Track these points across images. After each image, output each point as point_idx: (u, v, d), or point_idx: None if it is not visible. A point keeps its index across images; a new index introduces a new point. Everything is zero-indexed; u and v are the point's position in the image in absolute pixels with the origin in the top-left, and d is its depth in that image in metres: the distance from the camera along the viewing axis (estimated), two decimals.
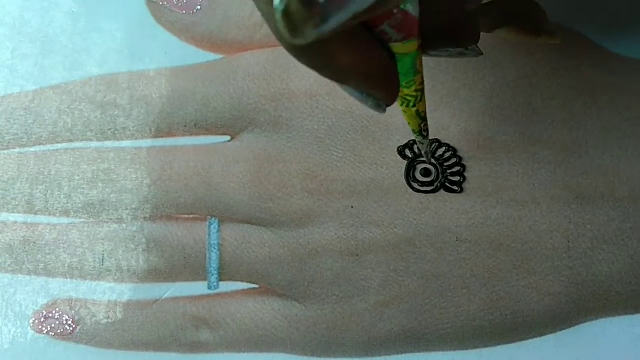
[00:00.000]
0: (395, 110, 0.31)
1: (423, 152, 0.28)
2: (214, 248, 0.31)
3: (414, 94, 0.23)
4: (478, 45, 0.24)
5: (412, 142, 0.30)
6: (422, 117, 0.25)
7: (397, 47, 0.21)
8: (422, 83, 0.23)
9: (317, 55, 0.19)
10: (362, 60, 0.20)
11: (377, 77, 0.21)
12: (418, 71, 0.22)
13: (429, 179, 0.30)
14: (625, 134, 0.30)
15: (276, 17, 0.15)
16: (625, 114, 0.30)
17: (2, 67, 0.33)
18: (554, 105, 0.30)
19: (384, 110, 0.23)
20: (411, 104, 0.24)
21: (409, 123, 0.25)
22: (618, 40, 0.31)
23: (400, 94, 0.23)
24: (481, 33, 0.25)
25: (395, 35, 0.20)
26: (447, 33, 0.23)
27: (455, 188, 0.30)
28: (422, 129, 0.26)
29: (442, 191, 0.30)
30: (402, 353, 0.30)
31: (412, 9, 0.20)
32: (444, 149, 0.30)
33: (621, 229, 0.29)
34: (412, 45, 0.21)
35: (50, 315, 0.31)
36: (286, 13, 0.15)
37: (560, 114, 0.30)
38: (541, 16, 0.27)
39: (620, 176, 0.29)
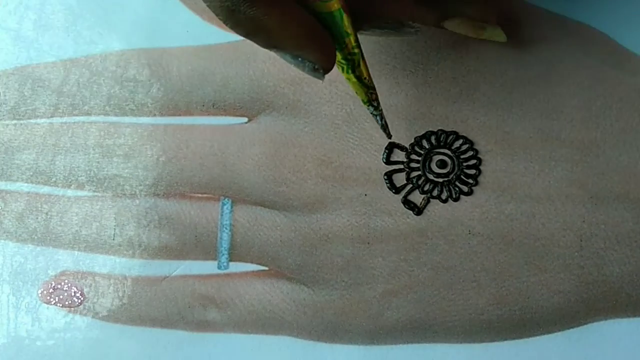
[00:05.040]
0: (415, 100, 0.31)
1: (380, 126, 0.28)
2: (226, 228, 0.31)
3: (349, 57, 0.23)
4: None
5: (429, 132, 0.30)
6: (367, 85, 0.25)
7: (320, 6, 0.22)
8: (358, 47, 0.23)
9: (248, 22, 0.21)
10: (289, 20, 0.22)
11: (306, 37, 0.22)
12: (348, 33, 0.23)
13: (444, 171, 0.30)
14: None
15: None
16: None
17: (24, 38, 0.33)
18: (574, 104, 0.30)
19: (323, 76, 0.24)
20: (348, 69, 0.24)
21: (356, 92, 0.26)
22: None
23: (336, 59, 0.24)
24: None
25: None
26: (373, 3, 0.24)
27: (470, 181, 0.30)
28: (370, 98, 0.26)
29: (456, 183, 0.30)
30: (408, 343, 0.30)
31: None
32: (461, 141, 0.30)
33: (635, 231, 0.29)
34: (334, 4, 0.22)
35: (59, 286, 0.31)
36: None
37: (580, 113, 0.30)
38: (487, 13, 0.28)
39: (636, 177, 0.29)
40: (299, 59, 0.23)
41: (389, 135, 0.28)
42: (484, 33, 0.29)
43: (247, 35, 0.22)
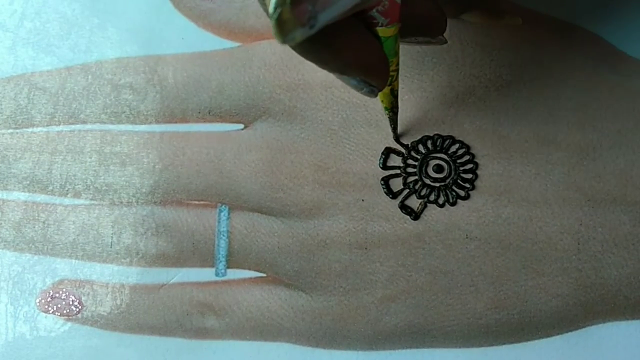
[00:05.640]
0: (411, 104, 0.31)
1: (391, 129, 0.30)
2: (223, 235, 0.31)
3: (392, 73, 0.25)
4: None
5: (425, 137, 0.30)
6: (394, 96, 0.27)
7: (382, 31, 0.22)
8: (398, 64, 0.25)
9: (322, 51, 0.20)
10: (363, 51, 0.22)
11: (374, 65, 0.23)
12: (396, 52, 0.24)
13: (441, 175, 0.30)
14: None
15: (271, 24, 0.17)
16: None
17: (20, 46, 0.33)
18: (570, 107, 0.30)
19: (376, 95, 0.25)
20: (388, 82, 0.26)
21: (382, 101, 0.27)
22: (636, 44, 0.31)
23: None
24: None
25: (382, 20, 0.22)
26: (420, 23, 0.25)
27: (467, 185, 0.30)
28: (393, 106, 0.28)
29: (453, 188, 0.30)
30: (406, 348, 0.30)
31: None
32: (457, 145, 0.30)
33: (632, 233, 0.29)
34: (394, 29, 0.23)
35: (57, 295, 0.31)
36: (279, 21, 0.17)
37: (576, 116, 0.30)
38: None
39: (633, 180, 0.29)
40: (361, 82, 0.23)
41: (396, 137, 0.30)
42: (502, 20, 0.30)
43: (317, 62, 0.21)
